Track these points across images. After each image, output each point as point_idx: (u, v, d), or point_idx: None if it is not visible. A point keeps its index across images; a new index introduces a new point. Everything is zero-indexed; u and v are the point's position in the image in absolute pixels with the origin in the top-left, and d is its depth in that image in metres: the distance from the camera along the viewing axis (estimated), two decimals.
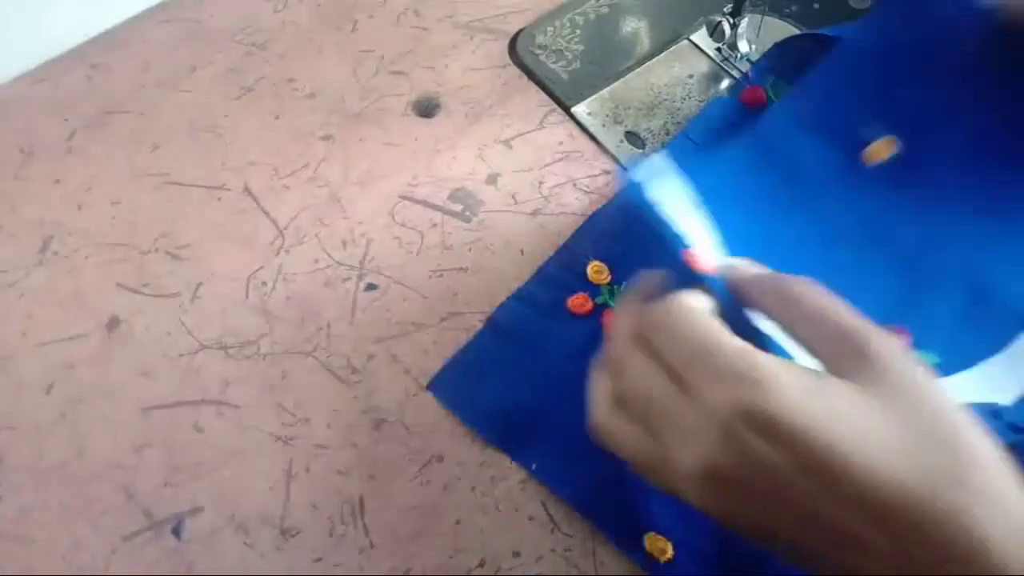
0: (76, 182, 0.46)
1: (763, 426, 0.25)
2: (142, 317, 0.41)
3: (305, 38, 0.51)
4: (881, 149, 0.41)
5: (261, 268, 0.42)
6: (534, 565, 0.35)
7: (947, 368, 0.36)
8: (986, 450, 0.25)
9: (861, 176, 0.41)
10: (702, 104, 0.48)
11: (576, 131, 0.47)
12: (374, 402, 0.39)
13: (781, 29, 0.50)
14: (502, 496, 0.36)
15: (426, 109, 0.48)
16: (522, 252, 0.43)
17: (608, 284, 0.41)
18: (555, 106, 0.48)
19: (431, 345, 0.40)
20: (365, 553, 0.35)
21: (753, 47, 0.48)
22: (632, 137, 0.47)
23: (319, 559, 0.35)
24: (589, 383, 0.32)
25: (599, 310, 0.40)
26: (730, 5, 0.47)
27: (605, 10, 0.51)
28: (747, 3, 0.47)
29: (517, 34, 0.51)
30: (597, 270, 0.41)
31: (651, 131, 0.47)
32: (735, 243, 0.40)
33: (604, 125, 0.47)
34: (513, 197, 0.45)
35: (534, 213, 0.44)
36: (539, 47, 0.50)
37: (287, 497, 0.36)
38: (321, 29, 0.52)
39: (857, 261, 0.40)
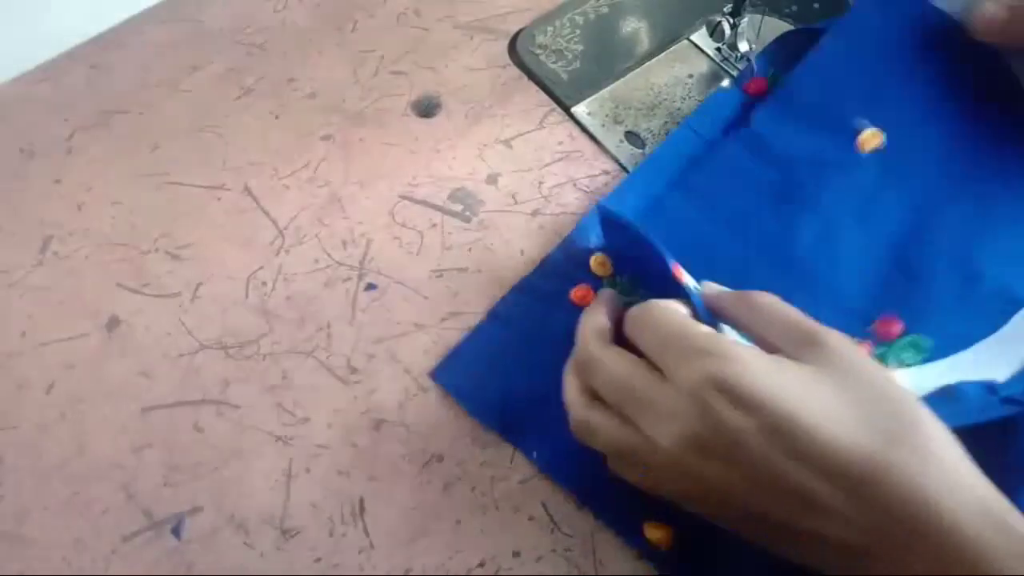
0: (76, 182, 0.46)
1: (732, 395, 0.28)
2: (142, 317, 0.41)
3: (305, 38, 0.51)
4: (870, 140, 0.42)
5: (261, 268, 0.42)
6: (534, 565, 0.35)
7: (942, 350, 0.37)
8: (925, 417, 0.28)
9: (853, 164, 0.42)
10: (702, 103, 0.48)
11: (576, 131, 0.47)
12: (374, 402, 0.39)
13: (781, 29, 0.50)
14: (502, 496, 0.36)
15: (426, 109, 0.48)
16: (522, 252, 0.43)
17: (610, 276, 0.41)
18: (555, 106, 0.48)
19: (431, 345, 0.40)
20: (365, 553, 0.35)
21: (753, 47, 0.48)
22: (632, 137, 0.47)
23: (319, 559, 0.35)
24: (563, 384, 0.34)
25: None
26: (730, 5, 0.47)
27: (605, 10, 0.51)
28: (747, 3, 0.47)
29: (517, 34, 0.51)
30: (600, 262, 0.41)
31: (651, 131, 0.47)
32: (733, 234, 0.41)
33: (604, 125, 0.47)
34: (513, 197, 0.45)
35: (534, 213, 0.44)
36: (539, 47, 0.50)
37: (287, 497, 0.37)
38: (321, 29, 0.52)
39: (851, 248, 0.40)
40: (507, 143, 0.46)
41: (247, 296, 0.42)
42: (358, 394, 0.39)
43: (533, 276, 0.41)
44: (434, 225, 0.44)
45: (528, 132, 0.47)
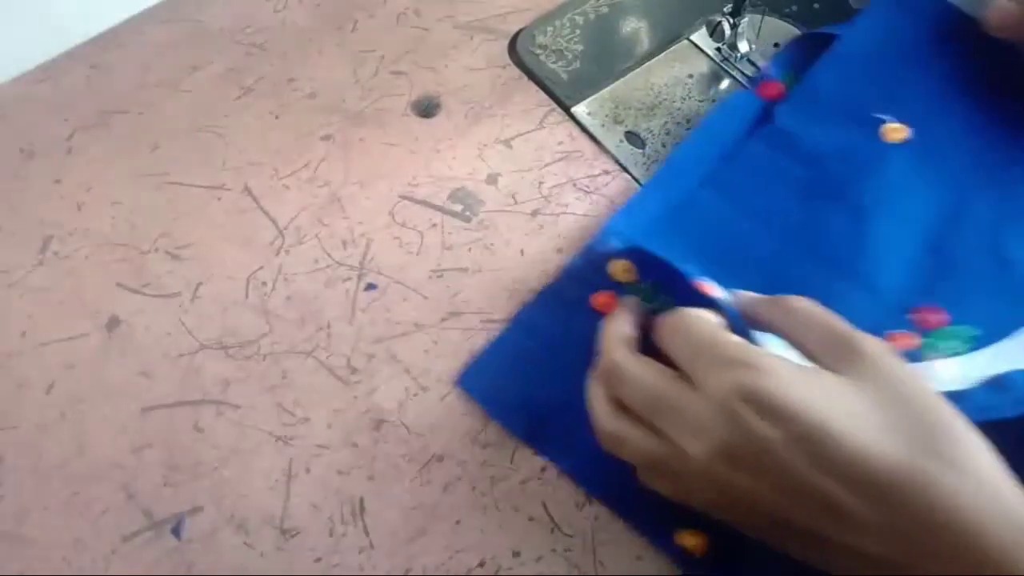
0: (76, 182, 0.46)
1: (761, 404, 0.27)
2: (142, 317, 0.41)
3: (305, 38, 0.51)
4: (894, 133, 0.43)
5: (261, 268, 0.42)
6: (534, 565, 0.35)
7: (988, 338, 0.37)
8: (964, 431, 0.27)
9: (880, 156, 0.42)
10: (702, 104, 0.48)
11: (576, 131, 0.47)
12: (374, 402, 0.39)
13: (781, 29, 0.50)
14: (502, 496, 0.36)
15: (426, 109, 0.48)
16: (522, 252, 0.43)
17: (635, 283, 0.40)
18: (555, 106, 0.48)
19: (431, 345, 0.40)
20: (365, 553, 0.35)
21: (753, 47, 0.48)
22: (632, 137, 0.47)
23: (319, 559, 0.35)
24: (587, 395, 0.33)
25: None
26: (730, 5, 0.47)
27: (605, 10, 0.51)
28: (747, 3, 0.47)
29: (517, 34, 0.51)
30: (623, 268, 0.41)
31: (651, 131, 0.47)
32: (765, 229, 0.41)
33: (604, 125, 0.47)
34: (513, 197, 0.45)
35: (534, 213, 0.44)
36: (539, 47, 0.50)
37: (287, 497, 0.37)
38: (321, 29, 0.52)
39: (885, 238, 0.41)
40: (507, 143, 0.46)
41: (247, 296, 0.42)
42: (358, 394, 0.39)
43: (556, 283, 0.41)
44: (434, 225, 0.44)
45: (528, 132, 0.47)
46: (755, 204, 0.42)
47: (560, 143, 0.46)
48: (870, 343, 0.30)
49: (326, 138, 0.47)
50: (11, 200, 0.45)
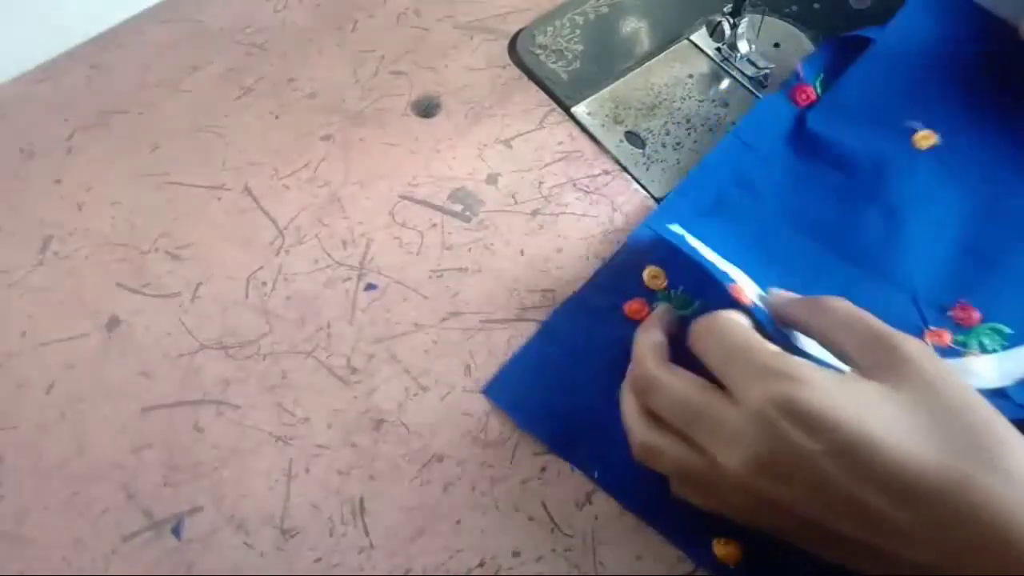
0: (76, 182, 0.46)
1: (799, 416, 0.27)
2: (142, 317, 0.41)
3: (305, 38, 0.51)
4: (924, 140, 0.43)
5: (261, 268, 0.42)
6: (534, 565, 0.35)
7: (1020, 337, 0.37)
8: (1009, 436, 0.27)
9: (911, 161, 0.43)
10: (702, 104, 0.48)
11: (576, 131, 0.47)
12: (374, 402, 0.39)
13: (781, 29, 0.50)
14: (502, 496, 0.36)
15: (426, 109, 0.48)
16: (522, 252, 0.43)
17: (665, 289, 0.40)
18: (555, 106, 0.48)
19: (431, 345, 0.40)
20: (365, 553, 0.35)
21: (753, 47, 0.48)
22: (632, 137, 0.47)
23: (319, 559, 0.35)
24: (621, 404, 0.33)
25: None
26: (730, 5, 0.47)
27: (605, 10, 0.51)
28: (747, 3, 0.47)
29: (517, 34, 0.51)
30: (653, 275, 0.41)
31: (651, 131, 0.47)
32: (799, 230, 0.41)
33: (604, 125, 0.47)
34: (513, 197, 0.45)
35: (534, 213, 0.44)
36: (539, 47, 0.50)
37: (287, 497, 0.37)
38: (321, 29, 0.52)
39: (919, 238, 0.41)
40: (507, 143, 0.46)
41: (247, 296, 0.42)
42: (358, 394, 0.39)
43: (585, 290, 0.41)
44: (434, 225, 0.44)
45: (528, 132, 0.47)
46: (788, 205, 0.42)
47: (560, 143, 0.46)
48: (911, 344, 0.29)
49: (326, 138, 0.47)
50: (11, 200, 0.45)
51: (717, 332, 0.31)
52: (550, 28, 0.51)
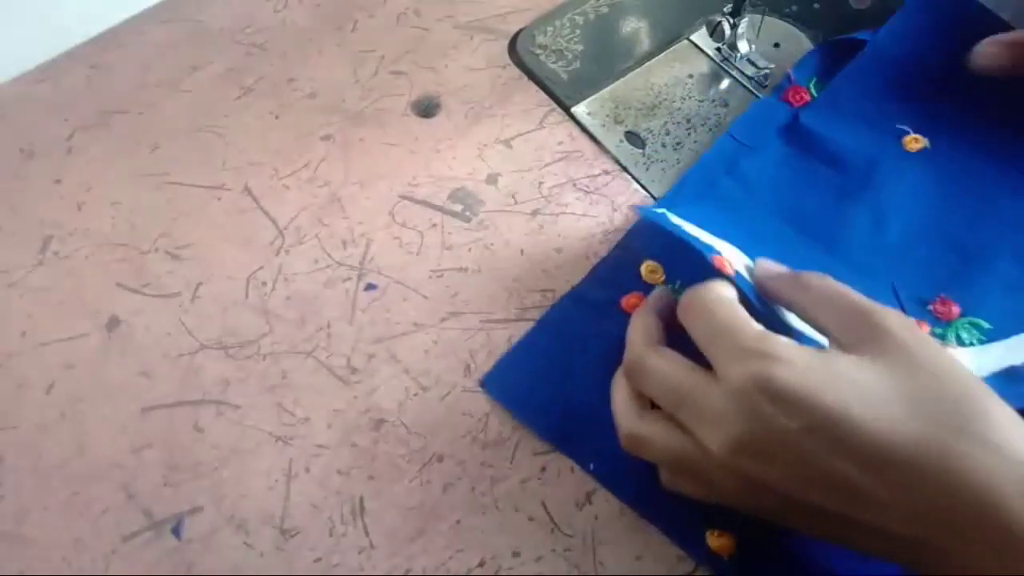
0: (76, 182, 0.46)
1: (776, 394, 0.27)
2: (142, 317, 0.41)
3: (305, 38, 0.51)
4: (914, 143, 0.44)
5: (261, 268, 0.42)
6: (534, 565, 0.35)
7: (999, 332, 0.38)
8: (995, 406, 0.27)
9: (902, 162, 0.43)
10: (702, 104, 0.48)
11: (576, 131, 0.47)
12: (374, 402, 0.39)
13: (781, 29, 0.50)
14: (502, 496, 0.36)
15: (426, 109, 0.48)
16: (522, 252, 0.43)
17: (662, 283, 0.41)
18: (555, 106, 0.48)
19: (431, 345, 0.40)
20: (365, 553, 0.35)
21: (753, 47, 0.48)
22: (632, 137, 0.47)
23: (319, 559, 0.35)
24: (612, 392, 0.33)
25: None
26: (730, 5, 0.47)
27: (605, 10, 0.51)
28: (747, 3, 0.47)
29: (517, 34, 0.51)
30: (651, 270, 0.41)
31: (651, 131, 0.47)
32: (785, 219, 0.41)
33: (604, 125, 0.47)
34: (513, 197, 0.45)
35: (534, 213, 0.44)
36: (539, 47, 0.50)
37: (287, 497, 0.37)
38: (321, 29, 0.52)
39: (906, 239, 0.41)
40: (507, 143, 0.46)
41: (247, 296, 0.42)
42: (358, 394, 0.39)
43: (583, 284, 0.41)
44: (434, 225, 0.44)
45: (528, 132, 0.47)
46: (775, 195, 0.43)
47: (560, 143, 0.46)
48: (890, 317, 0.29)
49: (326, 138, 0.47)
50: (11, 200, 0.45)
51: (702, 309, 0.32)
52: (550, 28, 0.51)
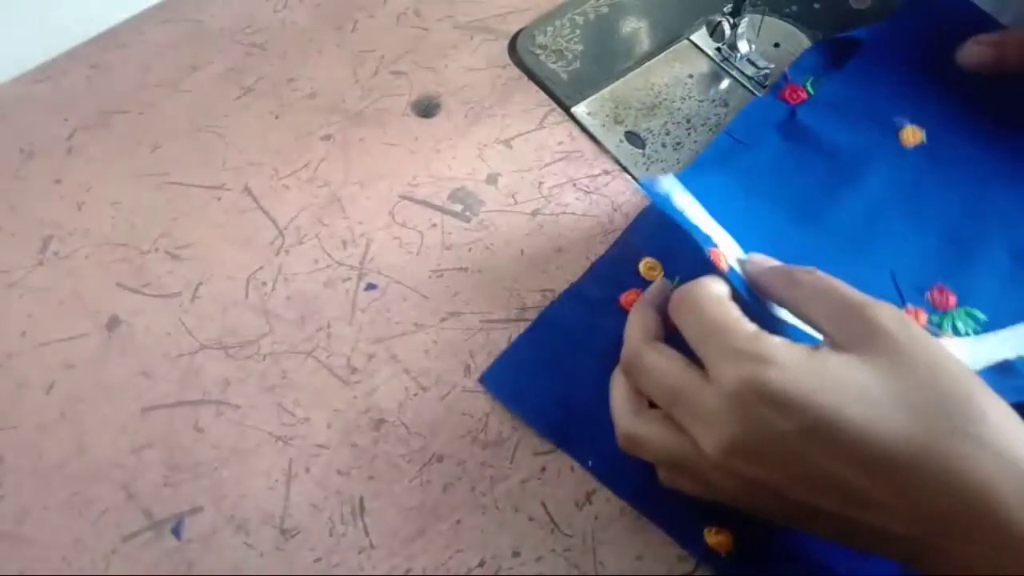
0: (76, 182, 0.46)
1: (770, 398, 0.27)
2: (142, 317, 0.41)
3: (305, 38, 0.51)
4: (911, 136, 0.44)
5: (261, 268, 0.42)
6: (534, 565, 0.35)
7: (994, 324, 0.38)
8: (992, 404, 0.26)
9: (899, 155, 0.43)
10: (702, 104, 0.48)
11: (576, 131, 0.47)
12: (374, 402, 0.39)
13: (781, 29, 0.50)
14: (502, 496, 0.36)
15: (426, 109, 0.48)
16: (522, 252, 0.43)
17: (661, 280, 0.41)
18: (555, 106, 0.48)
19: (431, 345, 0.40)
20: (365, 553, 0.35)
21: (753, 47, 0.48)
22: (632, 137, 0.47)
23: (319, 559, 0.35)
24: (610, 389, 0.33)
25: None
26: (730, 5, 0.47)
27: (605, 10, 0.51)
28: (747, 3, 0.47)
29: (517, 34, 0.51)
30: (650, 266, 0.41)
31: (651, 131, 0.47)
32: (781, 209, 0.41)
33: (604, 125, 0.47)
34: (513, 197, 0.45)
35: (534, 213, 0.44)
36: (539, 47, 0.50)
37: (287, 497, 0.37)
38: (321, 29, 0.52)
39: (903, 230, 0.41)
40: (507, 143, 0.46)
41: (247, 296, 0.42)
42: (358, 394, 0.39)
43: (582, 282, 0.41)
44: (434, 225, 0.44)
45: (528, 132, 0.47)
46: (770, 187, 0.43)
47: (560, 143, 0.46)
48: (883, 312, 0.28)
49: (326, 138, 0.47)
50: (11, 200, 0.45)
51: (694, 307, 0.31)
52: (550, 28, 0.51)
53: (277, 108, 0.48)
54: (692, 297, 0.32)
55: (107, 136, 0.47)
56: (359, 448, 0.38)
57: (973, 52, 0.43)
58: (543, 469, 0.37)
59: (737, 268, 0.35)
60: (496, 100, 0.48)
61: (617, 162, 0.46)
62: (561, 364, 0.39)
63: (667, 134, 0.47)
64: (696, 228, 0.35)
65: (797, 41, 0.50)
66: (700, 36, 0.50)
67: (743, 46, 0.48)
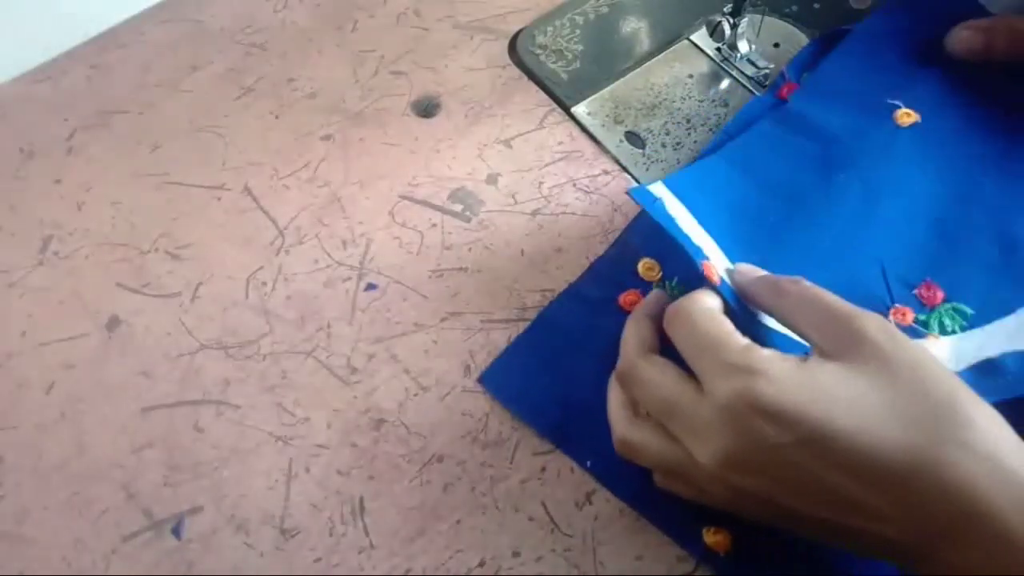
0: (76, 182, 0.46)
1: (763, 411, 0.27)
2: (142, 317, 0.41)
3: (305, 38, 0.51)
4: (904, 119, 0.43)
5: (261, 268, 0.42)
6: (534, 565, 0.35)
7: (981, 318, 0.38)
8: (978, 410, 0.27)
9: (892, 136, 0.43)
10: (702, 104, 0.48)
11: (576, 131, 0.47)
12: (374, 402, 0.39)
13: (781, 29, 0.50)
14: (502, 496, 0.36)
15: (426, 109, 0.48)
16: (522, 252, 0.43)
17: (659, 281, 0.41)
18: (555, 106, 0.48)
19: (431, 345, 0.40)
20: (365, 553, 0.35)
21: (753, 47, 0.48)
22: (632, 137, 0.47)
23: (319, 559, 0.35)
24: (607, 397, 0.34)
25: None
26: (730, 5, 0.47)
27: (605, 10, 0.51)
28: (747, 3, 0.47)
29: (517, 34, 0.51)
30: (648, 267, 0.41)
31: (651, 131, 0.47)
32: (773, 199, 0.41)
33: (604, 125, 0.47)
34: (513, 197, 0.45)
35: (534, 213, 0.44)
36: (539, 47, 0.50)
37: (287, 497, 0.37)
38: (321, 29, 0.52)
39: (892, 215, 0.41)
40: (507, 143, 0.46)
41: (247, 296, 0.42)
42: (358, 394, 0.39)
43: (581, 282, 0.41)
44: (434, 225, 0.44)
45: (528, 132, 0.47)
46: (766, 176, 0.43)
47: (560, 143, 0.46)
48: (869, 322, 0.29)
49: (326, 138, 0.47)
50: (11, 200, 0.45)
51: (687, 321, 0.32)
52: (550, 28, 0.51)
53: (277, 108, 0.48)
54: (685, 311, 0.32)
55: (107, 136, 0.47)
56: (359, 448, 0.38)
57: (962, 38, 0.43)
58: (543, 469, 0.37)
59: (727, 279, 0.35)
60: (496, 100, 0.48)
61: (617, 162, 0.46)
62: (560, 364, 0.39)
63: (667, 134, 0.47)
64: (688, 239, 0.35)
65: (797, 41, 0.50)
66: (700, 36, 0.50)
67: (743, 46, 0.48)
